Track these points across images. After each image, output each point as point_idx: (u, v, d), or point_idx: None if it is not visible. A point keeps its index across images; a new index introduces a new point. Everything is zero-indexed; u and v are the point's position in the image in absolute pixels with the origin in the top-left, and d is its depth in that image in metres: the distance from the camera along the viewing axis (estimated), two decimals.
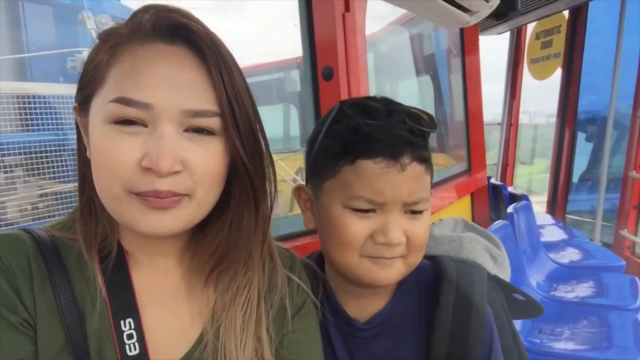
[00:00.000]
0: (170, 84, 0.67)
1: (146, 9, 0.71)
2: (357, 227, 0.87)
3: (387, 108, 0.90)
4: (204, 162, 0.69)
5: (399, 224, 0.87)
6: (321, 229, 0.95)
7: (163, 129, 0.66)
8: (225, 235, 0.77)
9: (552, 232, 4.10)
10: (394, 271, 0.89)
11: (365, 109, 0.90)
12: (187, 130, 0.69)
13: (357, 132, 0.87)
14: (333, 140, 0.91)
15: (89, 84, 0.70)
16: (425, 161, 0.89)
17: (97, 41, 0.72)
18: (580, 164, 5.47)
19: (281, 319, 0.83)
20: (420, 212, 0.89)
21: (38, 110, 3.93)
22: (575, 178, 5.46)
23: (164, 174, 0.65)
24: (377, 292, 0.97)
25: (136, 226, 0.69)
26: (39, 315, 0.69)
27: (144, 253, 0.78)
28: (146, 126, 0.67)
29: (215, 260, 0.78)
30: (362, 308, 0.97)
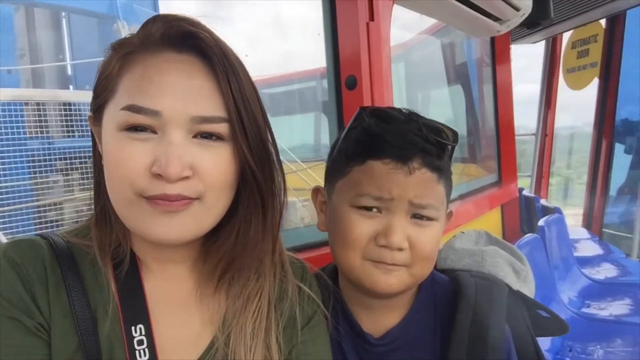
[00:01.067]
0: (179, 91, 0.68)
1: (155, 18, 0.72)
2: (360, 226, 0.87)
3: (407, 117, 0.90)
4: (213, 167, 0.71)
5: (402, 228, 0.86)
6: (330, 231, 0.95)
7: (172, 135, 0.68)
8: (232, 241, 0.77)
9: (587, 247, 3.98)
10: (394, 278, 0.88)
11: (382, 116, 0.91)
12: (195, 136, 0.70)
13: (369, 133, 0.89)
14: (348, 143, 0.92)
15: (101, 93, 0.72)
16: (438, 170, 0.88)
17: (110, 51, 0.74)
18: (618, 177, 5.31)
19: (291, 329, 0.83)
20: (428, 219, 0.88)
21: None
22: (612, 191, 5.30)
23: (173, 179, 0.67)
24: (391, 306, 0.95)
25: (146, 232, 0.70)
26: (54, 319, 0.70)
27: (156, 261, 0.79)
28: (156, 133, 0.68)
29: (223, 266, 0.79)
30: (376, 322, 0.96)
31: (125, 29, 3.77)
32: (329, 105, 1.54)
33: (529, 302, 1.10)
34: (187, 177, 0.68)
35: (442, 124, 0.92)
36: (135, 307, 0.75)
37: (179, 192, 0.68)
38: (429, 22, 3.44)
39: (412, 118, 0.90)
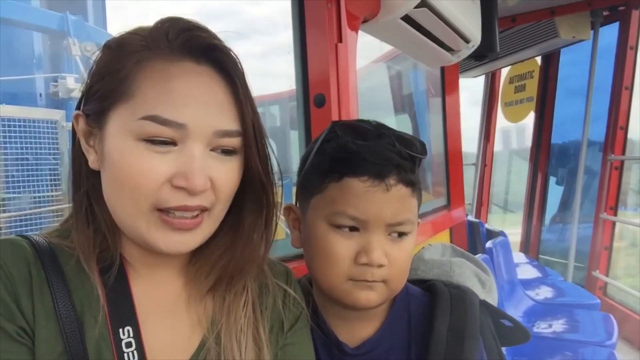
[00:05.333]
0: (202, 105, 0.69)
1: (171, 24, 0.71)
2: (341, 247, 0.88)
3: (378, 131, 0.91)
4: (226, 180, 0.72)
5: (381, 244, 0.87)
6: (306, 248, 0.96)
7: (194, 148, 0.68)
8: (236, 248, 0.79)
9: (527, 270, 4.15)
10: (375, 294, 0.89)
11: (356, 130, 0.92)
12: (212, 149, 0.71)
13: (346, 150, 0.89)
14: (323, 158, 0.92)
15: (108, 95, 0.70)
16: (412, 184, 0.90)
17: (106, 51, 0.72)
18: (551, 207, 5.58)
19: (277, 331, 0.84)
20: (404, 234, 0.90)
21: None
22: (547, 220, 5.56)
23: (197, 192, 0.68)
24: (367, 317, 0.97)
25: (154, 245, 0.70)
26: (37, 322, 0.68)
27: (145, 265, 0.78)
28: (175, 144, 0.68)
29: (219, 271, 0.79)
30: (352, 332, 0.97)
31: (76, 46, 3.68)
32: (298, 122, 1.57)
33: (493, 312, 1.14)
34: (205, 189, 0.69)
35: (410, 136, 0.94)
36: (123, 310, 0.73)
37: (198, 202, 0.69)
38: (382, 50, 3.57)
39: (382, 132, 0.91)
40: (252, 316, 0.81)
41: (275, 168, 0.81)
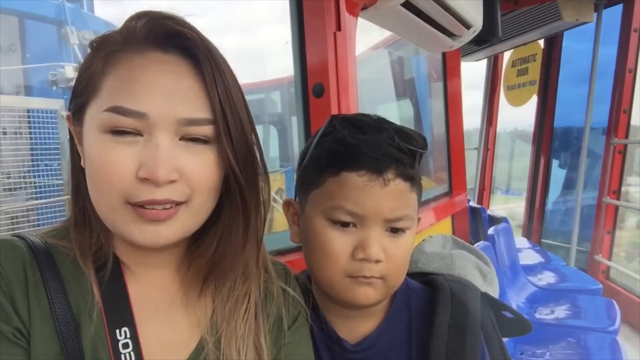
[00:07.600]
0: (165, 93, 0.67)
1: (139, 16, 0.70)
2: (339, 243, 0.87)
3: (378, 125, 0.90)
4: (199, 171, 0.69)
5: (378, 240, 0.86)
6: (305, 243, 0.95)
7: (158, 139, 0.66)
8: (214, 246, 0.76)
9: (529, 256, 4.14)
10: (372, 291, 0.88)
11: (355, 123, 0.91)
12: (181, 139, 0.68)
13: (344, 144, 0.87)
14: (321, 152, 0.91)
15: (83, 92, 0.70)
16: (411, 179, 0.89)
17: (89, 49, 0.72)
18: (554, 190, 5.56)
19: (277, 330, 0.83)
20: (402, 230, 0.89)
21: None
22: (550, 204, 5.55)
23: (161, 183, 0.65)
24: (367, 313, 0.96)
25: (131, 238, 0.68)
26: (33, 323, 0.67)
27: (140, 265, 0.77)
28: (141, 135, 0.66)
29: (206, 270, 0.78)
30: (352, 329, 0.96)
31: (74, 35, 3.65)
32: (297, 113, 1.55)
33: (494, 304, 1.13)
34: (173, 181, 0.67)
35: (410, 130, 0.93)
36: (119, 310, 0.73)
37: (167, 196, 0.66)
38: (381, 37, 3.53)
39: (382, 125, 0.90)
40: (253, 323, 0.79)
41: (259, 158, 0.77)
